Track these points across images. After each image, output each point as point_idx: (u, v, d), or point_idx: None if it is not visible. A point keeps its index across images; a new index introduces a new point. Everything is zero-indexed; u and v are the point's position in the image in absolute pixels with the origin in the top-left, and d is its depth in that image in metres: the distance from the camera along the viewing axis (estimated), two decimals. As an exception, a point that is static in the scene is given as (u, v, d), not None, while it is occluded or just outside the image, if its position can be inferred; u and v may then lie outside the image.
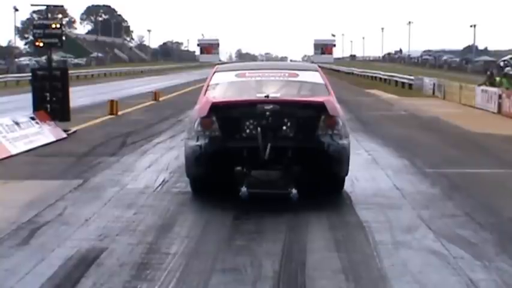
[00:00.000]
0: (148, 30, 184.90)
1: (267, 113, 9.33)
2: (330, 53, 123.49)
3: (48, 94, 18.19)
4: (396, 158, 13.90)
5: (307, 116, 9.51)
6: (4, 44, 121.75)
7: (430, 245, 7.41)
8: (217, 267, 6.65)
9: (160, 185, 10.83)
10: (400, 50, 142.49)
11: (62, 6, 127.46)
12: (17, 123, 15.53)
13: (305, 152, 9.40)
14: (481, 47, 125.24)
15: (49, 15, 22.44)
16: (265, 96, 9.64)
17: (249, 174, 9.43)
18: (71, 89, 19.26)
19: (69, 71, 22.55)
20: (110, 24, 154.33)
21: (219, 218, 8.68)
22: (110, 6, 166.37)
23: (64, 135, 17.23)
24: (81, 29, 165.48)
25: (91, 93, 38.53)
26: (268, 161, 9.26)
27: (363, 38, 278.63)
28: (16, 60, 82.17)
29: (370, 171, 12.16)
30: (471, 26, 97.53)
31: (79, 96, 30.10)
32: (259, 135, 9.24)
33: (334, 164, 9.54)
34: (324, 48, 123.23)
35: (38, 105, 18.00)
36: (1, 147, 14.09)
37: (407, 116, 24.80)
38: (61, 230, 8.07)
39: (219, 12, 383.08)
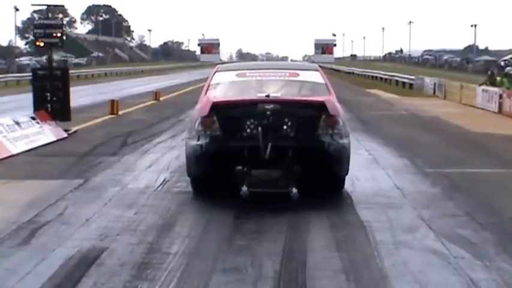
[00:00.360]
0: (149, 30, 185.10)
1: (268, 113, 9.34)
2: (331, 52, 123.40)
3: (48, 94, 18.21)
4: (397, 157, 13.89)
5: (308, 116, 9.52)
6: (5, 43, 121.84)
7: (430, 245, 7.40)
8: (218, 267, 6.65)
9: (161, 184, 10.83)
10: (401, 50, 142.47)
11: (63, 6, 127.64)
12: (17, 123, 15.53)
13: (305, 151, 9.41)
14: (481, 46, 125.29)
15: (50, 15, 22.44)
16: (266, 96, 9.65)
17: (249, 174, 9.44)
18: (72, 89, 19.27)
19: (70, 71, 22.58)
20: (111, 24, 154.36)
21: (219, 217, 8.68)
22: (110, 6, 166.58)
23: (65, 135, 17.23)
24: (82, 28, 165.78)
25: (91, 92, 38.53)
26: (269, 160, 9.27)
27: (364, 37, 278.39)
28: (16, 60, 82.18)
29: (371, 170, 12.16)
30: (472, 26, 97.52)
31: (80, 96, 30.12)
32: (260, 135, 9.25)
33: (335, 164, 9.55)
34: (324, 48, 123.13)
35: (39, 105, 18.01)
36: (2, 147, 14.09)
37: (408, 116, 24.79)
38: (62, 230, 8.07)
39: (219, 12, 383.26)
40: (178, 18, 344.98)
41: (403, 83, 48.55)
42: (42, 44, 20.23)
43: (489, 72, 33.60)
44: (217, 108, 9.56)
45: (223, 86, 10.58)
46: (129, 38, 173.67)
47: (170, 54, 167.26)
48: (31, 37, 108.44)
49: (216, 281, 6.27)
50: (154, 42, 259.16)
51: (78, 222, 8.38)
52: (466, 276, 6.37)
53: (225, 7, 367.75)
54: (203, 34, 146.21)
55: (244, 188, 9.07)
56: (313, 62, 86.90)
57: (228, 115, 9.52)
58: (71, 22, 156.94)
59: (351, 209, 9.19)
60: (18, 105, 25.22)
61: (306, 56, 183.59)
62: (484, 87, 28.95)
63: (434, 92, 38.15)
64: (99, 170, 12.25)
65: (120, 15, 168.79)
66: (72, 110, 18.83)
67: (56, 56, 72.75)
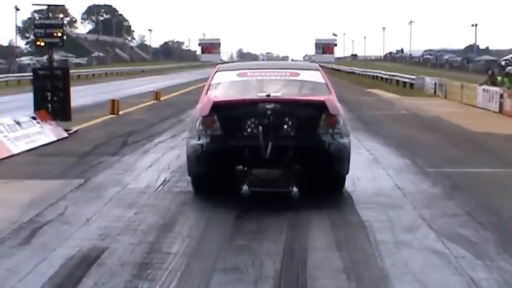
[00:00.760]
0: (150, 30, 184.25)
1: (268, 112, 9.35)
2: (331, 52, 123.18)
3: (49, 94, 18.23)
4: (397, 157, 13.89)
5: (308, 115, 9.53)
6: (5, 43, 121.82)
7: (431, 245, 7.40)
8: (218, 266, 6.65)
9: (161, 184, 10.83)
10: (402, 50, 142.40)
11: (63, 5, 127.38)
12: (18, 123, 15.54)
13: (306, 150, 9.42)
14: (482, 46, 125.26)
15: (50, 14, 22.44)
16: (267, 96, 9.65)
17: (250, 173, 9.45)
18: (72, 89, 19.28)
19: (70, 71, 22.58)
20: (111, 23, 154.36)
21: (220, 217, 8.68)
22: (111, 6, 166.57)
23: (65, 134, 17.23)
24: (82, 28, 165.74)
25: (92, 92, 38.55)
26: (269, 159, 9.28)
27: (364, 37, 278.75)
28: (17, 59, 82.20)
29: (372, 170, 12.15)
30: (472, 26, 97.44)
31: (80, 95, 30.14)
32: (261, 134, 9.26)
33: (335, 163, 9.56)
34: (325, 47, 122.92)
35: (39, 105, 18.02)
36: (2, 146, 14.09)
37: (408, 116, 24.79)
38: (62, 230, 8.07)
39: (220, 12, 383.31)
40: (178, 18, 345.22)
41: (404, 82, 48.55)
42: (42, 44, 20.22)
43: (490, 72, 33.61)
44: (218, 107, 9.56)
45: (224, 86, 10.59)
46: (129, 38, 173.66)
47: (171, 54, 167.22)
48: (32, 37, 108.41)
49: (216, 280, 6.26)
50: (154, 42, 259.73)
51: (78, 222, 8.38)
52: (467, 275, 6.37)
53: (226, 7, 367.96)
54: (204, 34, 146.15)
55: (245, 187, 9.09)
56: (313, 61, 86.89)
57: (228, 115, 9.53)
58: (72, 22, 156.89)
59: (351, 209, 9.19)
60: (19, 105, 25.23)
61: (306, 55, 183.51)
62: (485, 86, 28.95)
63: (435, 92, 38.15)
64: (99, 170, 12.25)
65: (121, 15, 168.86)
66: (72, 109, 18.85)
67: (57, 56, 72.76)
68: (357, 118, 22.21)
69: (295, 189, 9.10)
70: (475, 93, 29.47)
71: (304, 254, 7.03)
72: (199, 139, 9.57)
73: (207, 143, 9.50)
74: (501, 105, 25.50)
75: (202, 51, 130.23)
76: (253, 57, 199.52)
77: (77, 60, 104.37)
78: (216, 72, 11.05)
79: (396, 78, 52.14)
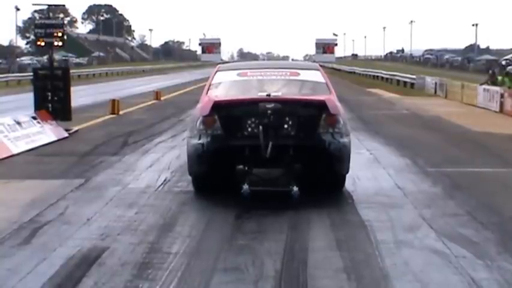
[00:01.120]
0: (150, 30, 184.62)
1: (269, 112, 9.35)
2: (332, 52, 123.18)
3: (49, 93, 18.23)
4: (398, 157, 13.89)
5: (308, 115, 9.54)
6: (5, 43, 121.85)
7: (431, 244, 7.40)
8: (218, 266, 6.65)
9: (161, 184, 10.83)
10: (402, 49, 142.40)
11: (64, 5, 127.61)
12: (18, 123, 15.53)
13: (306, 150, 9.43)
14: (482, 46, 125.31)
15: (50, 14, 22.45)
16: (267, 95, 9.66)
17: (250, 172, 9.45)
18: (73, 89, 19.28)
19: (71, 71, 22.58)
20: (112, 23, 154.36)
21: (220, 217, 8.68)
22: (111, 6, 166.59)
23: (65, 134, 17.23)
24: (83, 28, 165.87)
25: (92, 92, 38.55)
26: (270, 159, 9.29)
27: (365, 37, 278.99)
28: (17, 59, 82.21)
29: (372, 170, 12.15)
30: (473, 25, 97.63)
31: (80, 95, 30.14)
32: (261, 134, 9.26)
33: (335, 162, 9.57)
34: (325, 47, 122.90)
35: (40, 105, 18.02)
36: (3, 146, 14.09)
37: (409, 115, 24.78)
38: (63, 230, 8.06)
39: (220, 12, 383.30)
40: (179, 17, 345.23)
41: (404, 82, 48.55)
42: (43, 44, 20.23)
43: (490, 72, 33.61)
44: (219, 107, 9.57)
45: (225, 86, 10.60)
46: (130, 38, 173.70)
47: (171, 53, 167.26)
48: (32, 37, 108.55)
49: (217, 280, 6.26)
50: (155, 41, 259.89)
51: (79, 222, 8.38)
52: (467, 275, 6.36)
53: (226, 7, 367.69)
54: (204, 34, 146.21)
55: (245, 187, 9.10)
56: (314, 61, 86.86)
57: (229, 114, 9.54)
58: (72, 22, 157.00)
59: (352, 208, 9.18)
60: (19, 104, 25.23)
61: (307, 55, 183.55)
62: (485, 86, 28.95)
63: (435, 92, 38.15)
64: (100, 170, 12.25)
65: (121, 14, 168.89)
66: (73, 109, 18.85)
67: (57, 56, 72.74)
68: (357, 118, 22.21)
69: (295, 188, 9.11)
70: (476, 93, 29.48)
71: (304, 254, 7.03)
72: (199, 138, 9.58)
73: (208, 143, 9.51)
74: (501, 104, 25.49)
75: (203, 51, 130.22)
76: (254, 57, 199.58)
77: (78, 60, 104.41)
78: (217, 72, 11.06)
79: (397, 78, 52.14)
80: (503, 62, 62.81)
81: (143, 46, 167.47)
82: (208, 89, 10.48)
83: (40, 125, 16.54)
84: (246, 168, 9.43)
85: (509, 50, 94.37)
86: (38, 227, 8.15)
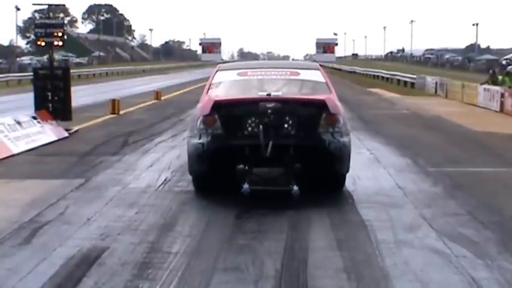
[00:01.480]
0: (150, 29, 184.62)
1: (269, 111, 9.36)
2: (332, 51, 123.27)
3: (49, 93, 18.23)
4: (398, 156, 13.88)
5: (309, 114, 9.54)
6: (6, 43, 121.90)
7: (432, 244, 7.39)
8: (219, 266, 6.64)
9: (162, 184, 10.83)
10: (403, 49, 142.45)
11: (64, 5, 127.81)
12: (18, 123, 15.53)
13: (306, 149, 9.43)
14: (483, 45, 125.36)
15: (51, 14, 22.45)
16: (267, 95, 9.66)
17: (250, 172, 9.45)
18: (73, 88, 19.26)
19: (71, 70, 22.57)
20: (112, 23, 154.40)
21: (221, 216, 8.68)
22: (111, 5, 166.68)
23: (66, 134, 17.23)
24: (83, 28, 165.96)
25: (93, 92, 38.54)
26: (270, 158, 9.29)
27: (365, 36, 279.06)
28: (18, 59, 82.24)
29: (372, 170, 12.15)
30: (473, 25, 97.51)
31: (80, 95, 30.14)
32: (261, 133, 9.26)
33: (335, 162, 9.57)
34: (326, 47, 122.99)
35: (40, 105, 18.02)
36: (3, 146, 14.09)
37: (409, 115, 24.78)
38: (63, 229, 8.06)
39: (221, 11, 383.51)
40: (179, 17, 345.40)
41: (405, 82, 48.54)
42: (43, 44, 20.23)
43: (491, 71, 33.61)
44: (219, 106, 9.57)
45: (225, 85, 10.60)
46: (130, 38, 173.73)
47: (171, 53, 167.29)
48: (32, 36, 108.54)
49: (217, 280, 6.26)
50: (155, 41, 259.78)
51: (79, 222, 8.37)
52: (468, 275, 6.36)
53: (227, 6, 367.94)
54: (204, 33, 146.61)
55: (246, 186, 9.10)
56: (314, 61, 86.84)
57: (229, 113, 9.54)
58: (72, 21, 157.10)
59: (352, 208, 9.18)
60: (19, 104, 25.23)
61: (307, 55, 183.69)
62: (486, 86, 28.94)
63: (435, 91, 38.14)
64: (100, 170, 12.24)
65: (122, 14, 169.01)
66: (73, 109, 18.83)
67: (57, 56, 72.80)
68: (357, 117, 22.20)
69: (295, 188, 9.11)
70: (476, 93, 29.47)
71: (304, 254, 7.02)
72: (200, 138, 9.58)
73: (208, 142, 9.51)
74: (502, 104, 25.49)
75: (203, 51, 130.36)
76: (254, 57, 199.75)
77: (78, 60, 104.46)
78: (217, 71, 11.07)
79: (397, 77, 52.13)
80: (504, 62, 62.87)
81: (143, 46, 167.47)
82: (208, 89, 10.48)
83: (40, 124, 16.53)
84: (246, 167, 9.43)
85: (510, 49, 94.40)
86: (38, 226, 8.15)
